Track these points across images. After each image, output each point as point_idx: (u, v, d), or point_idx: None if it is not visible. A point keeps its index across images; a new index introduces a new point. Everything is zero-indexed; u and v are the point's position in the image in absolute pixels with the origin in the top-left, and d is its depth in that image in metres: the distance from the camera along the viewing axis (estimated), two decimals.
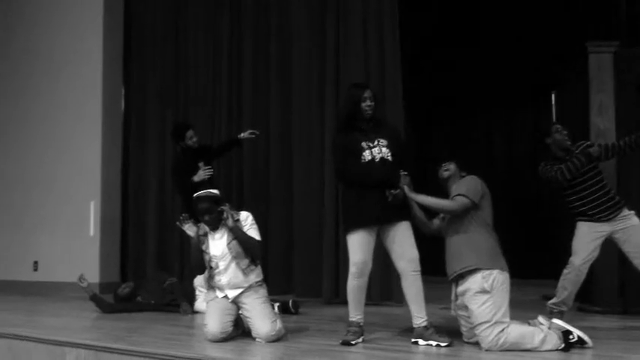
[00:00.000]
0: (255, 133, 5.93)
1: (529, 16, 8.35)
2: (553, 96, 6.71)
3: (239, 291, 4.10)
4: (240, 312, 4.17)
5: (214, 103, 7.11)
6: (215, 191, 4.18)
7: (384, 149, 3.96)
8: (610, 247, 4.80)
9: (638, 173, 5.52)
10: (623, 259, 4.95)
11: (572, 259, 4.70)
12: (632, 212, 4.66)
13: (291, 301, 5.33)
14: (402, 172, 3.94)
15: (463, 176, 4.01)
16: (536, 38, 8.16)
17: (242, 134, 5.93)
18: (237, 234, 4.04)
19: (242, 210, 4.28)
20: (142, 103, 7.72)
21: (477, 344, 3.74)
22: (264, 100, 6.77)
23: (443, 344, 3.77)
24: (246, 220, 4.13)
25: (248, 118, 6.57)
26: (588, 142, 4.81)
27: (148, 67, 7.70)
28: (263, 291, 4.19)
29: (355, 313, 3.97)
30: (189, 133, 5.68)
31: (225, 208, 4.06)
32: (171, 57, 7.54)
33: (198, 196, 4.12)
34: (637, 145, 4.63)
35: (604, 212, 4.63)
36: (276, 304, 5.14)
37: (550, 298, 4.87)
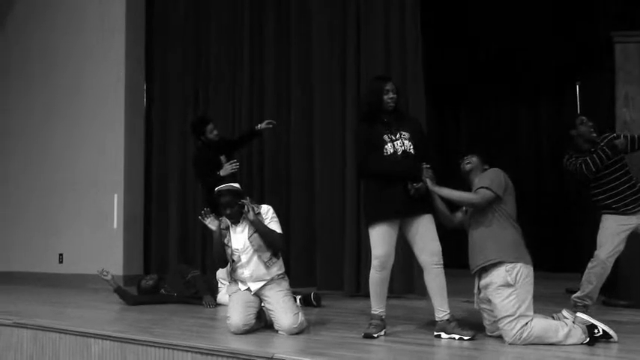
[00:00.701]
0: (272, 122, 5.95)
1: (554, 5, 8.24)
2: (577, 87, 6.62)
3: (261, 284, 4.12)
4: (262, 304, 4.19)
5: (235, 102, 7.12)
6: (236, 185, 4.20)
7: (406, 142, 3.94)
8: (636, 240, 4.74)
9: None
10: None
11: (597, 252, 4.64)
12: None
13: (313, 294, 5.34)
14: (425, 165, 3.92)
15: (485, 169, 3.97)
16: (561, 28, 8.05)
17: (259, 125, 5.95)
18: (258, 227, 4.06)
19: (263, 203, 4.30)
20: (165, 99, 7.76)
21: (500, 338, 3.71)
22: (285, 97, 6.76)
23: (466, 338, 3.75)
24: (267, 213, 4.15)
25: (269, 117, 6.54)
26: (614, 134, 4.74)
27: (170, 62, 7.74)
28: (285, 284, 4.20)
29: (377, 306, 3.97)
30: (210, 127, 5.72)
31: (246, 201, 4.08)
32: (193, 52, 7.56)
33: (219, 190, 4.14)
34: None
35: (630, 205, 4.57)
36: (298, 297, 5.15)
37: (574, 292, 4.82)
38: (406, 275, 5.69)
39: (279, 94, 6.80)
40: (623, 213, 4.58)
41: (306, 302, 5.23)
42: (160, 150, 7.75)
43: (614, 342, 3.64)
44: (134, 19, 7.79)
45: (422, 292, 5.18)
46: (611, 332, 3.65)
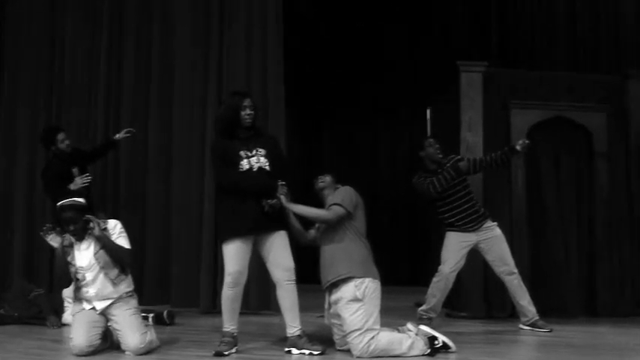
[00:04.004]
0: (132, 131, 5.77)
1: (410, 35, 8.76)
2: (428, 111, 7.03)
3: (108, 302, 3.95)
4: (108, 324, 4.01)
5: (90, 109, 6.78)
6: (80, 200, 3.99)
7: (262, 159, 3.97)
8: (476, 256, 5.09)
9: (502, 187, 5.90)
10: (487, 268, 5.27)
11: (441, 267, 4.94)
12: (495, 223, 4.98)
13: (165, 312, 5.20)
14: (280, 182, 3.96)
15: (338, 187, 4.10)
16: (415, 56, 8.56)
17: (117, 135, 5.75)
18: (105, 243, 3.88)
19: (112, 218, 4.14)
20: (12, 105, 7.24)
21: (349, 352, 3.82)
22: (143, 107, 6.52)
23: (315, 353, 3.82)
24: (115, 228, 3.99)
25: (126, 126, 6.32)
26: (458, 157, 5.08)
27: (21, 67, 7.24)
28: (134, 302, 4.05)
29: (229, 323, 3.94)
30: (61, 136, 5.42)
31: (91, 216, 3.90)
32: (47, 59, 7.11)
33: (61, 206, 3.91)
34: (502, 161, 4.97)
35: (470, 223, 4.91)
36: (151, 315, 5.01)
37: (422, 305, 5.08)
38: (262, 291, 5.70)
39: (137, 104, 6.58)
40: (465, 230, 4.91)
41: (158, 320, 5.08)
42: (5, 159, 7.20)
43: (453, 352, 3.88)
44: None
45: (277, 308, 5.18)
46: (450, 343, 3.89)
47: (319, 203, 4.11)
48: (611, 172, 6.07)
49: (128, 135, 5.77)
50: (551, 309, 5.52)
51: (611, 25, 6.96)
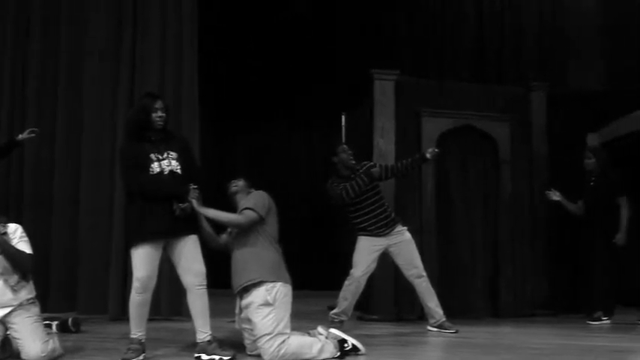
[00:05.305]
0: (35, 131, 5.53)
1: (328, 42, 8.88)
2: (343, 118, 7.14)
3: (7, 310, 3.76)
4: (8, 333, 3.83)
5: None
6: None
7: (173, 162, 3.90)
8: (387, 259, 5.20)
9: (413, 192, 6.07)
10: (397, 271, 5.41)
11: (352, 271, 5.03)
12: (405, 228, 5.12)
13: (70, 319, 5.01)
14: (192, 186, 3.91)
15: (250, 192, 4.10)
16: (331, 63, 8.69)
17: (20, 135, 5.50)
18: (4, 248, 3.69)
19: (16, 219, 3.96)
20: None
21: (259, 356, 3.81)
22: (51, 108, 6.25)
23: (225, 358, 3.78)
24: (15, 232, 3.81)
25: (32, 126, 6.03)
26: (371, 163, 5.19)
27: None
28: (35, 309, 3.88)
29: (137, 329, 3.85)
30: None
31: None
32: None
33: None
34: (412, 168, 5.14)
35: (382, 228, 5.02)
36: (55, 323, 4.83)
37: (334, 308, 5.15)
38: (174, 296, 5.58)
39: (44, 105, 6.30)
40: (376, 235, 5.02)
41: (63, 328, 4.89)
42: None
43: (362, 354, 3.95)
44: None
45: (189, 314, 5.10)
46: (359, 345, 3.96)
47: (232, 207, 4.09)
48: (515, 179, 6.37)
49: (32, 135, 5.54)
50: (458, 310, 5.73)
51: (515, 41, 7.34)
